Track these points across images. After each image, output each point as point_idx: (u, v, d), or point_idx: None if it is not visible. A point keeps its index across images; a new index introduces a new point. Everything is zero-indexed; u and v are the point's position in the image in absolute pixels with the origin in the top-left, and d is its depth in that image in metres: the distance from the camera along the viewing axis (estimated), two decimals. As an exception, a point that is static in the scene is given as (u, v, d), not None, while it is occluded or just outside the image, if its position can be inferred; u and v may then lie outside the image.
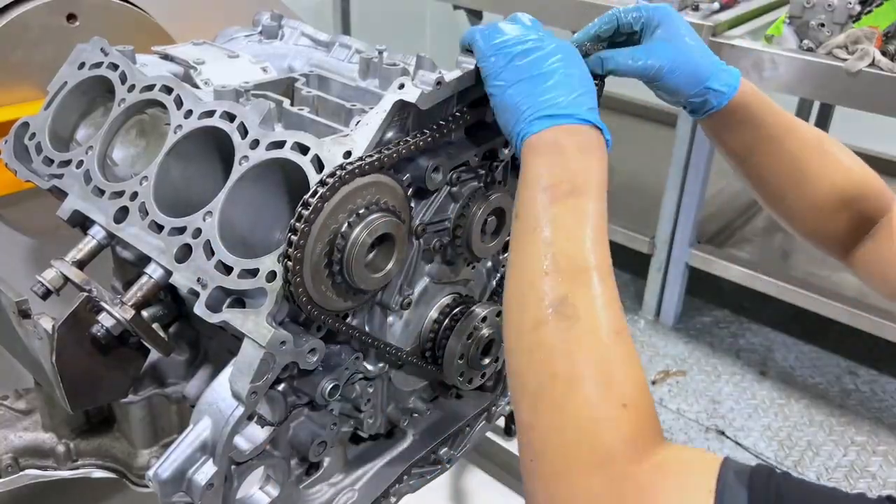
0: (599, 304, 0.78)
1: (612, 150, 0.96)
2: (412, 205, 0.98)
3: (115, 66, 1.14)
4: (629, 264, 3.46)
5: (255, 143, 0.95)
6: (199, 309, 0.91)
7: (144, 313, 1.03)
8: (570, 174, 0.84)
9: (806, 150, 1.09)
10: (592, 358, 0.75)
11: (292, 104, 1.09)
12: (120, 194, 1.04)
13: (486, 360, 1.15)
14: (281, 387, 0.98)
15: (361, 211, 0.88)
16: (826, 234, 1.12)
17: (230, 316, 0.89)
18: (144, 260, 1.00)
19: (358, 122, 0.96)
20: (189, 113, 1.03)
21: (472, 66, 0.94)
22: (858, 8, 2.40)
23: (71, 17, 1.42)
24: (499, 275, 1.22)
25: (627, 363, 0.76)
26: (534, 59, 0.88)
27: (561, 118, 0.86)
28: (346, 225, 0.88)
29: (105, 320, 1.00)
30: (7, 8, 1.37)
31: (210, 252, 0.93)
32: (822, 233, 1.13)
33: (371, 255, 0.92)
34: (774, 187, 1.12)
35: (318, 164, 0.90)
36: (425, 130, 0.96)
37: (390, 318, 1.06)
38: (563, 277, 0.79)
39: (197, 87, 1.15)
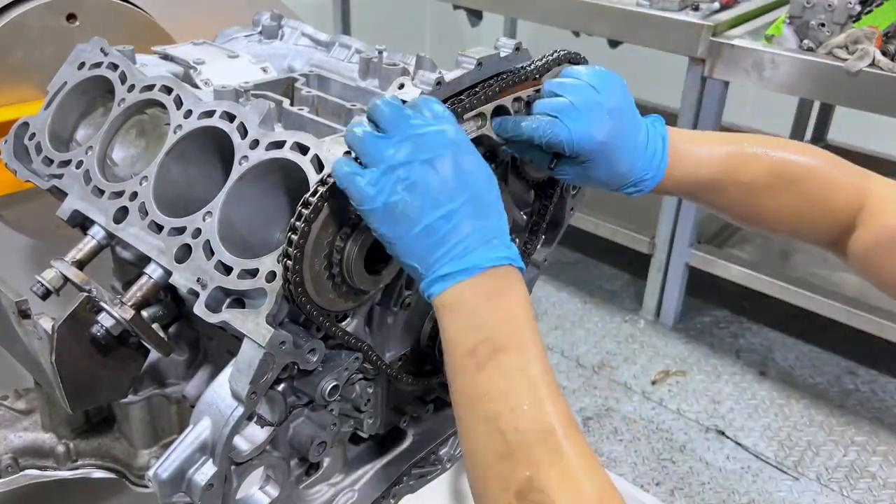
0: (571, 475, 0.69)
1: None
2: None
3: (114, 66, 1.14)
4: (629, 264, 3.46)
5: (254, 143, 0.95)
6: (199, 309, 0.91)
7: (144, 313, 1.03)
8: (487, 331, 0.75)
9: (756, 186, 1.00)
10: None
11: (292, 104, 1.09)
12: (120, 194, 1.04)
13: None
14: (281, 387, 0.98)
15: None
16: (810, 236, 1.06)
17: (230, 316, 0.89)
18: (144, 260, 1.00)
19: (358, 122, 0.96)
20: (189, 113, 1.03)
21: (472, 66, 0.94)
22: (858, 8, 2.40)
23: (71, 17, 1.42)
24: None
25: None
26: (412, 210, 0.77)
27: (458, 275, 0.76)
28: (346, 226, 0.88)
29: (105, 320, 1.00)
30: (7, 8, 1.37)
31: (210, 252, 0.93)
32: (805, 236, 1.07)
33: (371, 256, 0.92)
34: (733, 216, 1.06)
35: (318, 164, 0.89)
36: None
37: (390, 319, 1.06)
38: (521, 456, 0.70)
39: (197, 87, 1.15)
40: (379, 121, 0.81)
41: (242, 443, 0.96)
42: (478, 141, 0.96)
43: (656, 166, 0.98)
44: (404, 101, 0.84)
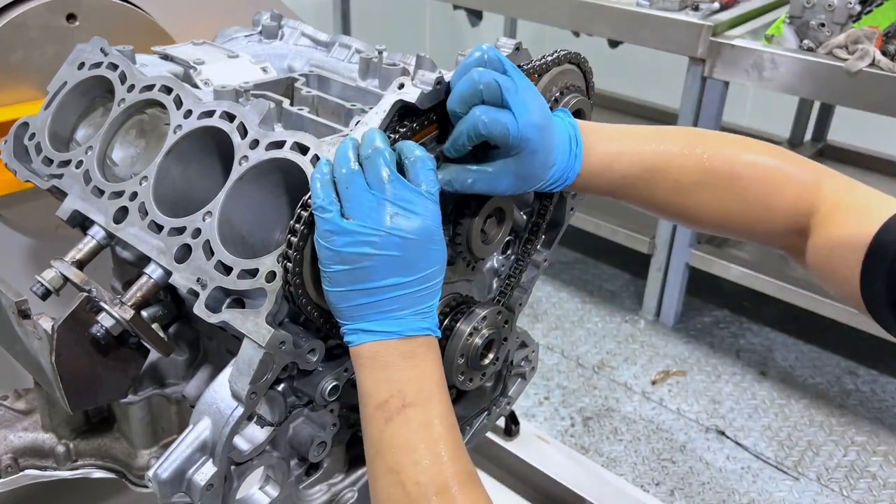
0: None
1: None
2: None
3: (114, 66, 1.14)
4: (629, 264, 3.46)
5: (254, 143, 0.95)
6: (199, 309, 0.91)
7: (144, 313, 1.03)
8: (398, 386, 0.79)
9: (683, 184, 0.93)
10: None
11: (292, 104, 1.09)
12: (119, 194, 1.04)
13: (487, 360, 1.15)
14: (281, 387, 0.98)
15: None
16: (753, 236, 0.98)
17: (230, 316, 0.89)
18: (144, 260, 1.00)
19: (357, 122, 0.96)
20: (189, 113, 1.03)
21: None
22: (858, 8, 2.40)
23: (71, 17, 1.42)
24: (499, 277, 1.22)
25: None
26: (363, 270, 0.78)
27: (382, 334, 0.79)
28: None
29: (105, 320, 1.00)
30: (7, 8, 1.37)
31: (209, 252, 0.93)
32: (745, 236, 0.99)
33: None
34: (662, 214, 0.98)
35: (318, 165, 0.89)
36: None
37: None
38: None
39: (197, 87, 1.15)
40: (373, 178, 0.80)
41: (242, 443, 0.97)
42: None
43: (573, 159, 0.91)
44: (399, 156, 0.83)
